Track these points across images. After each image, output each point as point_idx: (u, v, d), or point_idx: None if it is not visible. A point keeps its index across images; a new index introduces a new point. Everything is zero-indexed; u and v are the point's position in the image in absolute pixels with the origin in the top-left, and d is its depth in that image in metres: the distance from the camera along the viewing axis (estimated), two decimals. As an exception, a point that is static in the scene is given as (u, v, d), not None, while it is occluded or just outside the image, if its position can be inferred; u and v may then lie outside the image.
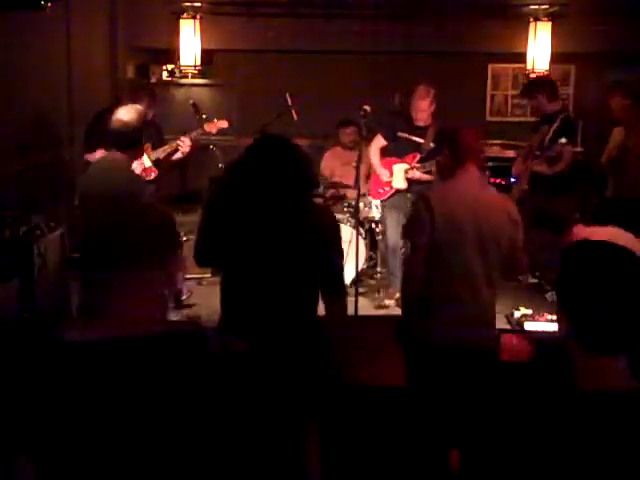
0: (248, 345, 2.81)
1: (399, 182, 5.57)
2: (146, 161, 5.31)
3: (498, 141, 7.32)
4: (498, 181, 6.47)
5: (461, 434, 3.05)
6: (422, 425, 3.22)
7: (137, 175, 3.86)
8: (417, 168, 5.48)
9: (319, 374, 2.95)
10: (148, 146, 5.38)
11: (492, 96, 8.03)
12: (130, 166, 3.52)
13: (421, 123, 5.45)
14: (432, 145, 5.37)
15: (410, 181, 5.52)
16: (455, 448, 3.09)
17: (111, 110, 5.33)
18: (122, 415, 1.32)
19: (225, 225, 2.88)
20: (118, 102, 5.38)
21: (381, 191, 5.72)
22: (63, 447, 1.33)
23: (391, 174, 5.61)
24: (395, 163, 5.60)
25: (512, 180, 6.18)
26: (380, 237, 6.13)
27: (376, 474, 3.46)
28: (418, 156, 5.48)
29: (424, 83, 5.45)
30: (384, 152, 5.70)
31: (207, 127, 5.46)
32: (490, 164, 6.32)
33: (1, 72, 4.96)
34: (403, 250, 5.76)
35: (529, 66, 7.21)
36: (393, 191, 5.62)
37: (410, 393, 3.27)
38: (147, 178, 5.31)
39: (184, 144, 5.33)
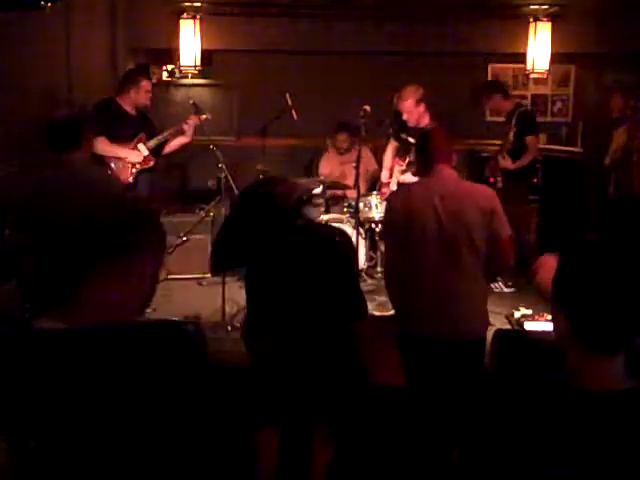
0: (276, 345, 2.89)
1: (394, 184, 5.64)
2: (143, 150, 5.52)
3: (498, 141, 7.32)
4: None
5: (458, 432, 3.07)
6: (420, 423, 3.24)
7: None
8: (404, 171, 5.52)
9: (340, 379, 3.00)
10: (143, 135, 5.48)
11: (492, 96, 8.01)
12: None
13: (411, 124, 5.48)
14: None
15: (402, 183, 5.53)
16: (455, 446, 3.11)
17: (111, 100, 5.53)
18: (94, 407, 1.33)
19: (239, 249, 3.07)
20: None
21: (384, 190, 5.81)
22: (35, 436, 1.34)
23: (390, 174, 5.69)
24: (397, 164, 5.69)
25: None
26: (380, 237, 6.13)
27: (378, 473, 3.46)
28: (407, 158, 5.52)
29: (412, 84, 5.47)
30: (396, 153, 5.80)
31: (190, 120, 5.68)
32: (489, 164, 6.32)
33: (1, 72, 4.96)
34: None
35: (529, 66, 7.20)
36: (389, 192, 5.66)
37: (406, 389, 3.33)
38: (145, 166, 5.46)
39: (190, 123, 5.60)
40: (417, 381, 3.28)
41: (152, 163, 5.59)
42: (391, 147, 5.78)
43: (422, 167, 3.37)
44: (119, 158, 5.38)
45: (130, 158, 5.42)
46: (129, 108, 5.53)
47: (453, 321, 3.19)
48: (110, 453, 1.30)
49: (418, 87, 5.43)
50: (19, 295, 3.46)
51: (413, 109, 5.41)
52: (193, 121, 5.65)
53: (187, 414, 1.33)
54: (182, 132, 5.65)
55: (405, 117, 5.47)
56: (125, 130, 5.46)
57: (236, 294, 5.04)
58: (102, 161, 5.31)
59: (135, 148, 5.50)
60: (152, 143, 5.58)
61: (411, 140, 5.48)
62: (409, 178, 5.43)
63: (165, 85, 7.72)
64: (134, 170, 5.47)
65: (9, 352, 1.36)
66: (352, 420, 3.19)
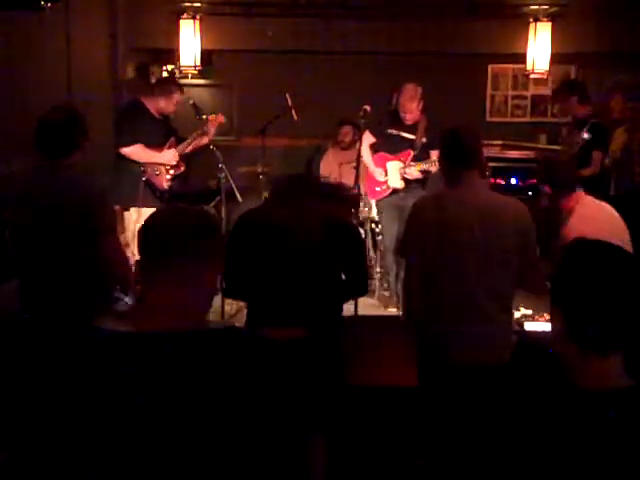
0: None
1: (395, 181, 5.52)
2: (175, 155, 5.46)
3: (498, 141, 7.32)
4: (498, 181, 6.47)
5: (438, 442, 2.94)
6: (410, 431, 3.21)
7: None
8: (412, 166, 5.43)
9: (332, 379, 3.00)
10: (173, 140, 5.44)
11: (492, 96, 8.01)
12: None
13: (409, 122, 5.44)
14: (424, 140, 5.39)
15: (407, 179, 5.49)
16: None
17: (138, 102, 5.48)
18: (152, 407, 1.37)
19: (250, 246, 3.17)
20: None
21: (378, 189, 5.67)
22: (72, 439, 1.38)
23: (385, 172, 5.57)
24: (388, 160, 5.56)
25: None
26: (380, 237, 6.12)
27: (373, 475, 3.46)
28: (412, 153, 5.45)
29: (411, 82, 5.42)
30: (375, 148, 5.66)
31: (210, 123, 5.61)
32: (490, 164, 6.32)
33: (1, 72, 4.96)
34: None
35: (529, 66, 7.21)
36: (390, 190, 5.58)
37: (415, 404, 3.23)
38: (178, 172, 5.42)
39: (213, 121, 5.53)
40: (428, 402, 3.03)
41: (183, 169, 5.51)
42: (367, 143, 5.58)
43: (450, 174, 3.02)
44: (155, 164, 5.29)
45: (168, 160, 5.35)
46: (155, 113, 5.49)
47: (477, 345, 2.90)
48: (176, 451, 1.36)
49: (417, 85, 5.41)
50: (19, 295, 3.46)
51: (417, 108, 5.40)
52: (215, 122, 5.60)
53: (249, 417, 1.39)
54: (205, 133, 5.60)
55: (407, 117, 5.40)
56: (155, 134, 5.38)
57: (236, 294, 5.03)
58: (140, 166, 5.23)
59: (169, 149, 5.44)
60: (181, 148, 5.49)
61: (407, 136, 5.47)
62: (415, 173, 5.42)
63: (165, 85, 7.71)
64: (168, 177, 5.38)
65: (80, 353, 1.41)
66: (347, 420, 3.18)
